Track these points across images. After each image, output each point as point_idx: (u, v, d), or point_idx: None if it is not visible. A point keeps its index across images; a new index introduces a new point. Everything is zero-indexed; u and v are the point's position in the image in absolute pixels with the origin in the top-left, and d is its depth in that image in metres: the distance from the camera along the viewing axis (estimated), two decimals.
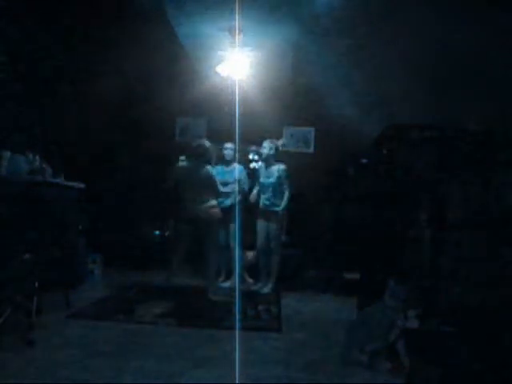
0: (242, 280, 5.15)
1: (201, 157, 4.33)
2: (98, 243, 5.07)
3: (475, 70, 4.24)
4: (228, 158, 5.03)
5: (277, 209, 4.70)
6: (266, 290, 4.78)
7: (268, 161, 4.81)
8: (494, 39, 3.83)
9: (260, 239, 4.86)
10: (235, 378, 2.40)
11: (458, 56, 4.17)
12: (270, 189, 4.74)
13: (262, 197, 4.83)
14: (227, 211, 4.78)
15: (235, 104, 4.82)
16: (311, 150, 6.33)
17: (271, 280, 4.81)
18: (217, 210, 4.38)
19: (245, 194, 5.02)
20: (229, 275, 5.09)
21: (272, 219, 4.73)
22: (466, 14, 3.64)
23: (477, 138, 3.46)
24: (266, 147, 4.79)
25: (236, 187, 4.89)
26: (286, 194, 4.70)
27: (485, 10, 3.58)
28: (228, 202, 4.88)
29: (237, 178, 4.91)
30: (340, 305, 4.35)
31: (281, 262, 4.90)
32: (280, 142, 5.01)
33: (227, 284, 4.98)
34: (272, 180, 4.73)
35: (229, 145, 5.07)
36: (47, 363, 2.53)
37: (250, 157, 6.23)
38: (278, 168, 4.76)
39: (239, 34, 4.31)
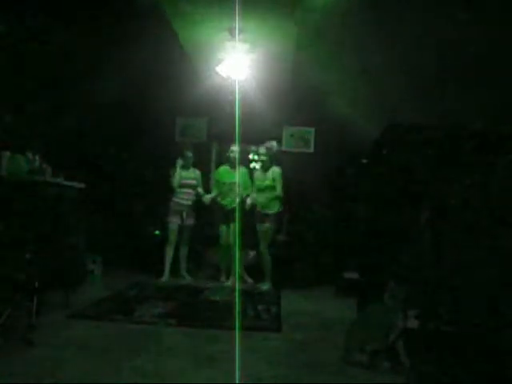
0: (242, 280, 5.21)
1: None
2: (97, 243, 5.06)
3: (475, 68, 4.24)
4: (233, 161, 5.12)
5: (269, 211, 4.84)
6: (263, 288, 4.85)
7: (264, 165, 4.96)
8: (494, 38, 3.83)
9: (257, 240, 5.02)
10: (235, 378, 2.40)
11: (459, 55, 4.17)
12: (265, 192, 4.87)
13: (258, 200, 4.93)
14: (229, 212, 5.03)
15: (235, 104, 4.84)
16: (311, 150, 6.33)
17: (267, 279, 4.91)
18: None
19: (243, 197, 5.07)
20: (228, 274, 5.19)
21: (266, 221, 4.86)
22: (466, 13, 3.64)
23: (477, 137, 3.46)
24: (262, 152, 4.98)
25: (237, 189, 5.02)
26: (279, 197, 4.86)
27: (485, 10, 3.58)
28: (229, 202, 5.06)
29: (237, 180, 5.04)
30: (340, 305, 4.35)
31: (279, 262, 5.02)
32: (274, 144, 5.10)
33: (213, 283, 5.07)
34: (267, 183, 4.86)
35: (235, 147, 5.14)
36: (47, 363, 2.52)
37: (250, 157, 6.24)
38: (272, 171, 4.88)
39: (239, 34, 4.31)
